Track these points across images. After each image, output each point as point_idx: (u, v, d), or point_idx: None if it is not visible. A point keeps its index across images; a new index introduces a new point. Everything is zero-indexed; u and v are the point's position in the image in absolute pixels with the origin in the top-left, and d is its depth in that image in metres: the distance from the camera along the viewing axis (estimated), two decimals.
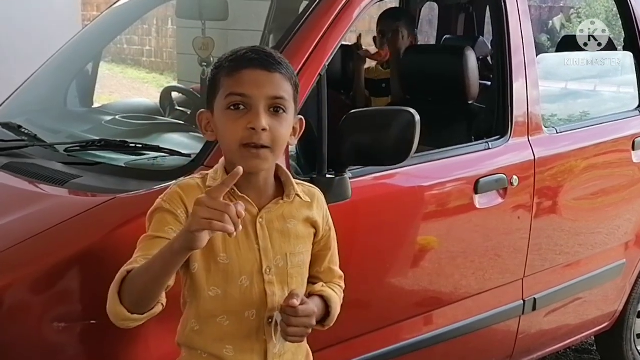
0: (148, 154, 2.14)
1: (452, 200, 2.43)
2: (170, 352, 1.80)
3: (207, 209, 1.28)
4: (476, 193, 2.43)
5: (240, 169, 1.35)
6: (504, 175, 2.52)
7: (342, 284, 1.72)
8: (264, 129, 1.44)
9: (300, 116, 1.59)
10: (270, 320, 1.53)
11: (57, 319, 1.68)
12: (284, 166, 1.61)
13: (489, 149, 2.54)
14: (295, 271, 1.56)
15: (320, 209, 1.62)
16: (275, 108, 1.47)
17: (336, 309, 1.63)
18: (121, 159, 2.12)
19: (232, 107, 1.46)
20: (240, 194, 1.48)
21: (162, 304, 1.46)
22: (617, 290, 3.16)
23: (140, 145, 2.18)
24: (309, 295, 1.59)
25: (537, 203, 2.65)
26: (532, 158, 2.62)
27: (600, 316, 3.16)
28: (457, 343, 2.55)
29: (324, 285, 1.66)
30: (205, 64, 3.09)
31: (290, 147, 1.77)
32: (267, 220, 1.53)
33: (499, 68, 2.67)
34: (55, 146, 2.28)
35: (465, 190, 2.42)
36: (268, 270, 1.52)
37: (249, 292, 1.51)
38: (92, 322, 1.71)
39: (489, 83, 3.15)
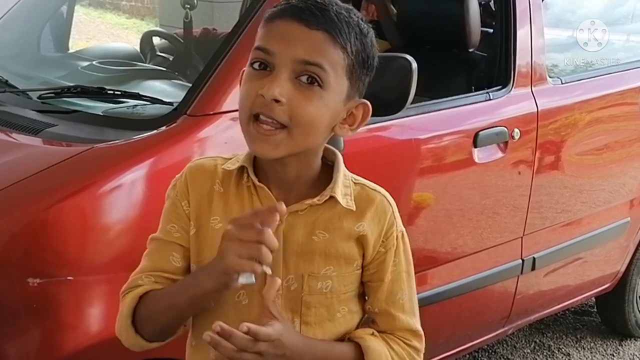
0: (127, 102, 2.12)
1: (449, 154, 2.42)
2: None
3: (240, 244, 1.10)
4: (475, 147, 2.43)
5: (283, 206, 1.12)
6: (504, 128, 2.51)
7: (415, 344, 1.29)
8: (276, 100, 1.13)
9: (365, 100, 1.25)
10: None
11: (32, 274, 1.67)
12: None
13: (489, 99, 2.53)
14: (316, 300, 1.24)
15: (377, 222, 1.27)
16: (308, 77, 1.15)
17: None
18: (98, 107, 2.09)
19: (255, 65, 1.17)
20: (259, 184, 1.21)
21: (184, 324, 1.30)
22: (620, 250, 3.19)
23: (119, 93, 2.15)
24: (348, 339, 1.26)
25: (538, 158, 2.65)
26: (535, 110, 2.61)
27: (602, 277, 3.19)
28: (451, 304, 2.57)
29: (376, 333, 1.28)
30: (189, 6, 3.03)
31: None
32: (289, 225, 1.22)
33: (502, 13, 2.64)
34: (28, 93, 2.25)
35: (464, 144, 2.42)
36: None
37: (246, 312, 1.21)
38: (68, 278, 1.71)
39: (491, 30, 3.11)
